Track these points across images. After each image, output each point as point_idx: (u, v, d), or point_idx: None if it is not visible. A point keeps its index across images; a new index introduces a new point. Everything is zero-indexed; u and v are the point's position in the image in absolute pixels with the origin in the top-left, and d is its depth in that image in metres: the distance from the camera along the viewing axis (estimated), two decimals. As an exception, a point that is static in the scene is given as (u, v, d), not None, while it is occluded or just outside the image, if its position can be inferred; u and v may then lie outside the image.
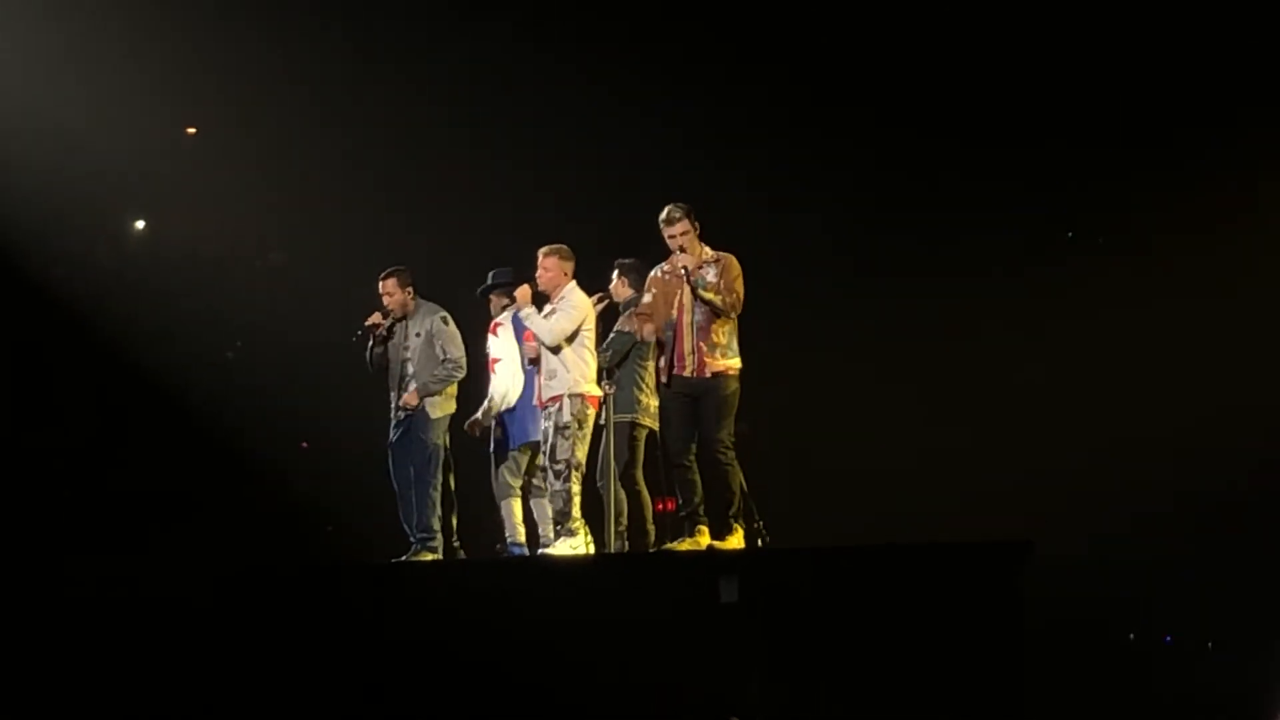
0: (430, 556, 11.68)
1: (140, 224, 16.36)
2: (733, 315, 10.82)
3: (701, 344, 10.84)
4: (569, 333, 11.25)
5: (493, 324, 12.14)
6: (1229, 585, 12.76)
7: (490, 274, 12.01)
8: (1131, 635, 13.33)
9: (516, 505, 11.96)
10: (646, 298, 11.11)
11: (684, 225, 10.90)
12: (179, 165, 15.57)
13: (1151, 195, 14.43)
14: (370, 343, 12.07)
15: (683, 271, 10.83)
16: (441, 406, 11.90)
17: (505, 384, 11.96)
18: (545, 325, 11.24)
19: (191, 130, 15.88)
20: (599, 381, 11.38)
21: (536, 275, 11.50)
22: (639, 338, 11.45)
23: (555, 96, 15.24)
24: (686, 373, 10.89)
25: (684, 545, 10.87)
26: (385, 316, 12.02)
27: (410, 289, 12.03)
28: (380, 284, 12.04)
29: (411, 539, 11.82)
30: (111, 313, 15.09)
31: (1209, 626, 12.95)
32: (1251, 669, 11.14)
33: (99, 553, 13.59)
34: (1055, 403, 14.28)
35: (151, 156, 15.27)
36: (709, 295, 10.78)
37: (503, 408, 11.99)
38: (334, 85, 15.41)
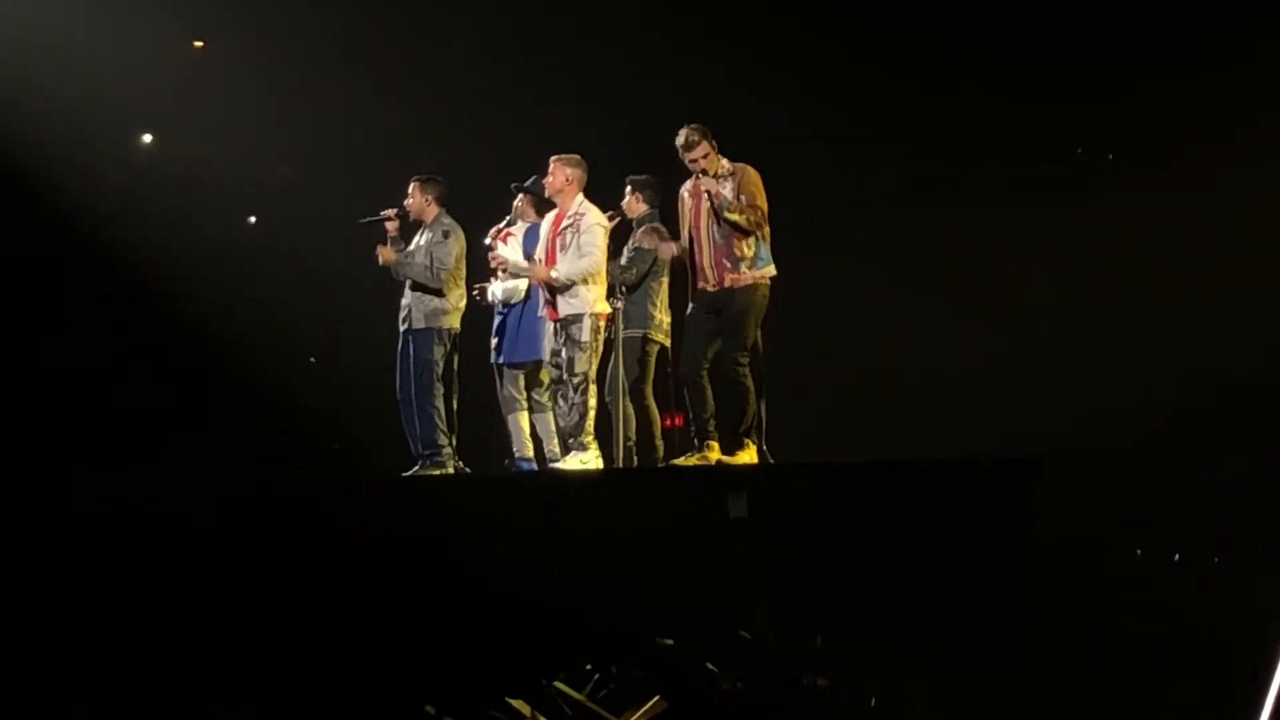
0: (438, 472, 11.68)
1: (147, 138, 16.29)
2: (755, 232, 10.79)
3: (724, 260, 10.83)
4: (600, 264, 11.22)
5: (503, 232, 12.07)
6: (1239, 500, 12.76)
7: (534, 177, 11.90)
8: (1139, 551, 13.34)
9: (524, 419, 11.97)
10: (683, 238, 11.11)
11: (704, 148, 10.87)
12: (186, 79, 15.48)
13: (1165, 111, 14.33)
14: (389, 245, 12.07)
15: (706, 195, 10.78)
16: (430, 320, 11.84)
17: (508, 289, 11.96)
18: (583, 267, 11.17)
19: (199, 43, 15.77)
20: (608, 297, 11.37)
21: (546, 180, 11.47)
22: (657, 256, 11.45)
23: (570, 9, 15.13)
24: (710, 287, 10.88)
25: (693, 460, 10.88)
26: (398, 216, 12.03)
27: (431, 198, 11.99)
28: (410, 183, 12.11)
29: (416, 454, 11.84)
30: (118, 226, 15.06)
31: (1219, 542, 12.96)
32: (1261, 585, 11.13)
33: (109, 466, 13.61)
34: (1066, 318, 14.25)
35: (159, 70, 15.18)
36: (733, 216, 10.75)
37: (502, 305, 12.02)
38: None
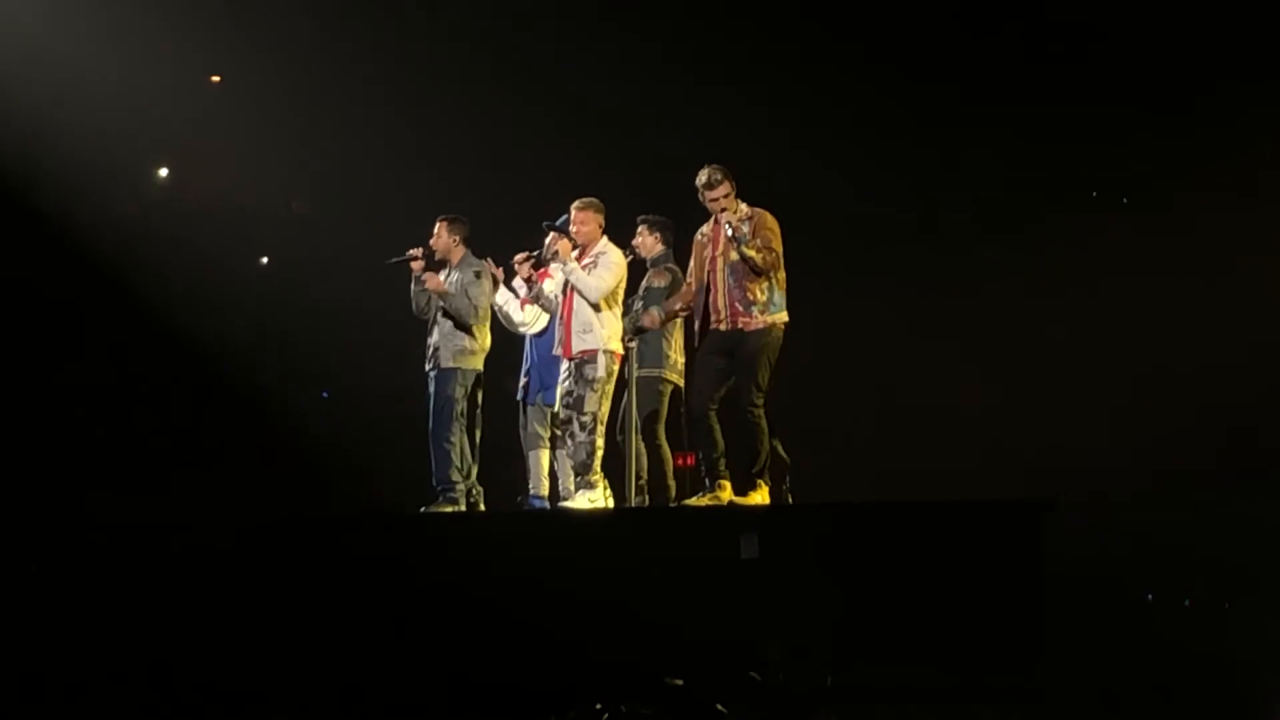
0: (450, 508, 11.71)
1: (164, 171, 16.33)
2: (769, 272, 10.79)
3: (736, 302, 10.83)
4: (611, 288, 11.26)
5: (541, 271, 12.03)
6: (1251, 546, 12.75)
7: (563, 217, 11.81)
8: (1150, 595, 13.31)
9: (544, 457, 11.98)
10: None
11: (725, 188, 10.89)
12: (203, 113, 15.53)
13: (1178, 156, 14.36)
14: (412, 283, 12.10)
15: (728, 230, 10.81)
16: (458, 359, 11.89)
17: (530, 316, 11.99)
18: (590, 281, 11.22)
19: (216, 78, 15.82)
20: (622, 338, 11.40)
21: (572, 229, 11.48)
22: (646, 324, 11.45)
23: (592, 49, 15.18)
24: (723, 327, 10.87)
25: (704, 500, 10.86)
26: (424, 255, 12.04)
27: (458, 238, 12.06)
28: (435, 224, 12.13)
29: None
30: (135, 259, 15.09)
31: (1230, 587, 12.94)
32: (1271, 630, 11.13)
33: (120, 493, 13.63)
34: (1078, 361, 14.24)
35: (176, 104, 15.23)
36: (749, 252, 10.76)
37: (519, 329, 12.04)
38: (362, 33, 15.33)
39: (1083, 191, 15.10)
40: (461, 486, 11.81)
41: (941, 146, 14.84)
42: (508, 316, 12.16)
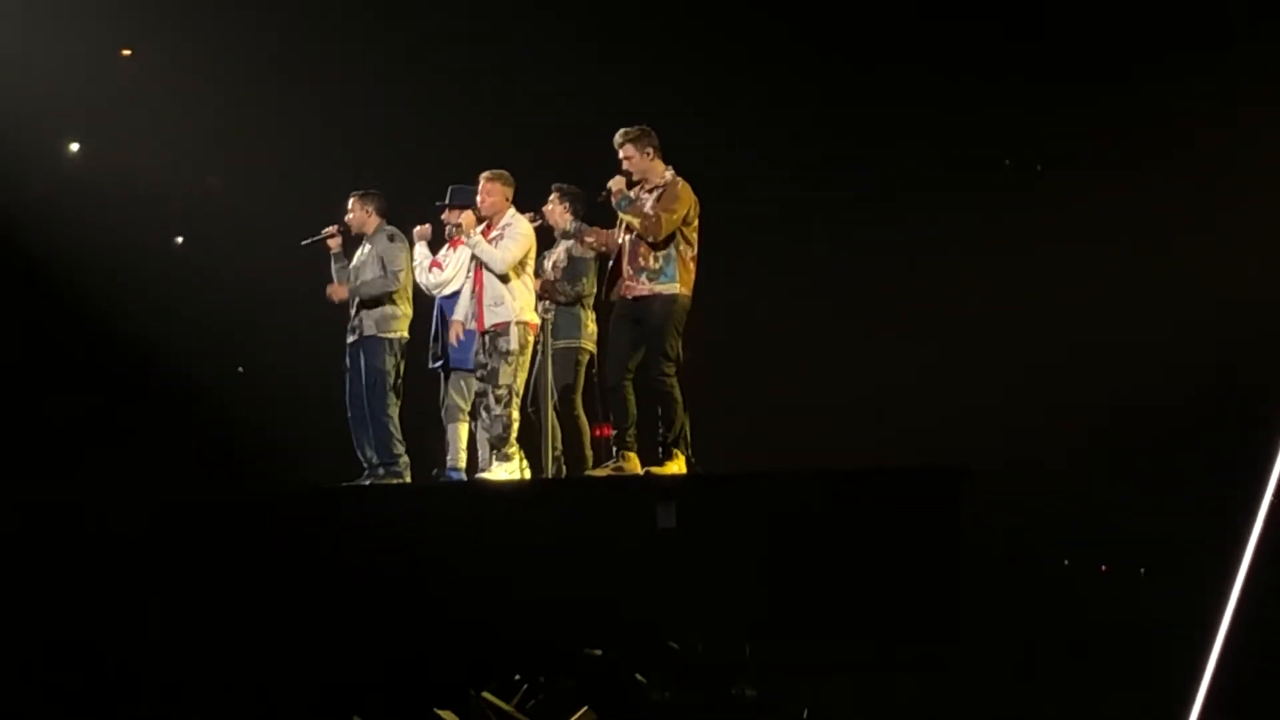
0: (395, 482, 11.68)
1: (74, 147, 16.16)
2: (649, 239, 10.70)
3: (629, 265, 10.78)
4: (518, 260, 11.21)
5: (452, 240, 11.96)
6: (1166, 511, 12.84)
7: (450, 189, 11.79)
8: (1066, 561, 13.41)
9: (463, 429, 11.93)
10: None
11: (628, 150, 10.86)
12: (114, 87, 15.36)
13: (1091, 122, 14.43)
14: (332, 261, 12.15)
15: (604, 192, 10.79)
16: (382, 327, 11.83)
17: (441, 278, 11.91)
18: (495, 253, 11.18)
19: (126, 51, 15.65)
20: (535, 308, 11.36)
21: (478, 200, 11.42)
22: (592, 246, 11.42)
23: (507, 16, 15.11)
24: (628, 295, 10.83)
25: (605, 471, 10.84)
26: (339, 232, 12.09)
27: (370, 210, 12.07)
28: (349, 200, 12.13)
29: (367, 464, 11.86)
30: (44, 237, 14.92)
31: (1145, 553, 13.06)
32: (1186, 596, 11.22)
33: (32, 478, 13.48)
34: (993, 329, 14.29)
35: (85, 78, 15.05)
36: (628, 217, 10.73)
37: (434, 290, 11.96)
38: (274, 6, 15.20)
39: (996, 159, 15.13)
40: (405, 459, 11.78)
41: (850, 115, 14.85)
42: (423, 280, 12.08)
